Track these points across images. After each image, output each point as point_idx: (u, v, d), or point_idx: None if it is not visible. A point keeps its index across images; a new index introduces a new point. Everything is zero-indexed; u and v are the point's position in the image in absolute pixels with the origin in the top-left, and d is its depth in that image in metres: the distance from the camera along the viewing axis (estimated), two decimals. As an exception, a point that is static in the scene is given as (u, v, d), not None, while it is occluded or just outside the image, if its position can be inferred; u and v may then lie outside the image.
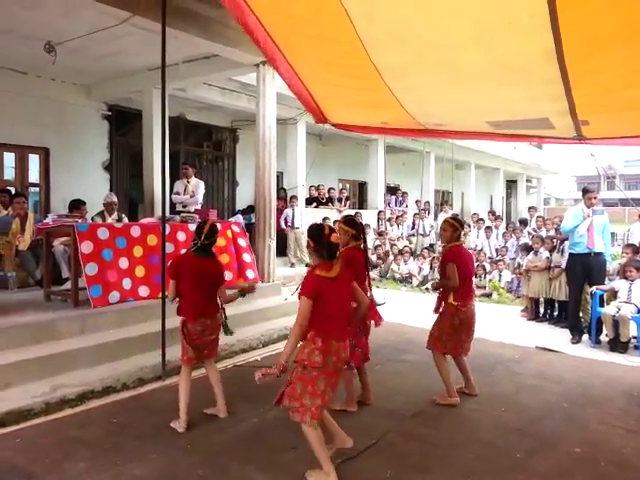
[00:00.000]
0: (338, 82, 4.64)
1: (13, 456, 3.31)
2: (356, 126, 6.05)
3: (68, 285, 5.69)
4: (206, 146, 12.56)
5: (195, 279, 3.78)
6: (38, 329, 4.77)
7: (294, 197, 11.39)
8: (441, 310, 4.38)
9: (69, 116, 9.46)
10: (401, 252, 11.44)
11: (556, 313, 7.54)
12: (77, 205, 6.82)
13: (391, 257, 11.46)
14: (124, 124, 10.54)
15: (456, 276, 4.14)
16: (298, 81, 4.92)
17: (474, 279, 9.40)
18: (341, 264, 3.13)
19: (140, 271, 5.71)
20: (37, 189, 9.55)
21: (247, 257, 6.89)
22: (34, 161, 9.41)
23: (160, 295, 4.99)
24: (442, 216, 11.19)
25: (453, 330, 4.26)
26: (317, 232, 3.11)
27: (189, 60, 7.79)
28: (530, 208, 13.46)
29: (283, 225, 11.08)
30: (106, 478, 3.06)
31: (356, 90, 4.65)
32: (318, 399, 2.97)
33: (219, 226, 6.68)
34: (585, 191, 6.64)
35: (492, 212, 13.86)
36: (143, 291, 5.70)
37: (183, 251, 4.90)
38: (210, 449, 3.46)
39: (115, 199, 7.22)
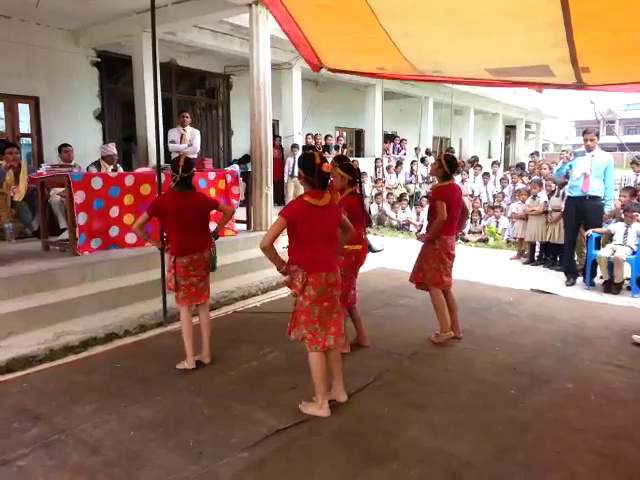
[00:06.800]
0: (335, 27, 4.48)
1: (22, 399, 3.41)
2: (352, 70, 5.89)
3: (65, 235, 5.70)
4: (199, 93, 12.26)
5: (179, 214, 3.72)
6: (39, 278, 4.81)
7: (295, 146, 11.25)
8: (423, 244, 4.54)
9: (58, 63, 9.16)
10: (400, 199, 11.40)
11: (551, 256, 7.61)
12: (61, 148, 6.88)
13: (388, 205, 11.42)
14: (115, 71, 10.22)
15: (445, 212, 4.24)
16: (294, 25, 4.75)
17: (469, 225, 9.56)
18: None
19: (129, 219, 5.74)
20: (29, 140, 9.38)
21: (234, 202, 6.92)
22: (24, 111, 9.20)
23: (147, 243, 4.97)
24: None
25: (433, 259, 4.40)
26: (308, 162, 3.08)
27: (179, 1, 7.48)
28: (532, 154, 13.14)
29: (286, 173, 11.05)
30: (112, 420, 3.15)
31: (352, 35, 4.51)
32: (316, 324, 3.11)
33: (213, 175, 6.72)
34: (584, 133, 6.58)
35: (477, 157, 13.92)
36: (130, 238, 5.76)
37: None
38: (213, 391, 3.55)
39: (115, 151, 6.99)
